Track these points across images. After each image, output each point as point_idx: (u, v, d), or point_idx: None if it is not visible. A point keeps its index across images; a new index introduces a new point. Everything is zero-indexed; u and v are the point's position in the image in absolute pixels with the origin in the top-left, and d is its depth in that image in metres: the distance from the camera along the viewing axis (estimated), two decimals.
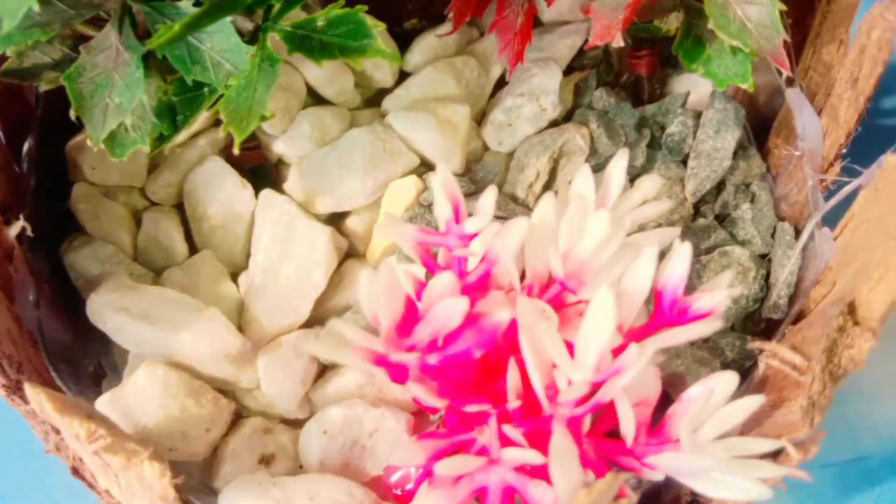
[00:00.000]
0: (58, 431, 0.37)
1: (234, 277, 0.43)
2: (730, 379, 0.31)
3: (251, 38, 0.35)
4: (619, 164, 0.36)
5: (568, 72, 0.47)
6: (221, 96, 0.35)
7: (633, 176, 0.44)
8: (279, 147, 0.43)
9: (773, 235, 0.42)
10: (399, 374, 0.31)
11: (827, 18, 0.39)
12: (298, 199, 0.42)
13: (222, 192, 0.42)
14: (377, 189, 0.42)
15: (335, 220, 0.43)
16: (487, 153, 0.45)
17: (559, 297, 0.33)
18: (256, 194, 0.43)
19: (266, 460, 0.39)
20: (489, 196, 0.34)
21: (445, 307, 0.29)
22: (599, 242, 0.32)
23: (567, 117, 0.46)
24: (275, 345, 0.39)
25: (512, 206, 0.42)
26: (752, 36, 0.34)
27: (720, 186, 0.44)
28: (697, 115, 0.44)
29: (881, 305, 0.31)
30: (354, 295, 0.41)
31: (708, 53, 0.37)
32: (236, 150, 0.34)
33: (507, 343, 0.33)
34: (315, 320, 0.41)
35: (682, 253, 0.31)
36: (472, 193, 0.43)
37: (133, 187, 0.44)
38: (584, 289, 0.32)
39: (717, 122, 0.43)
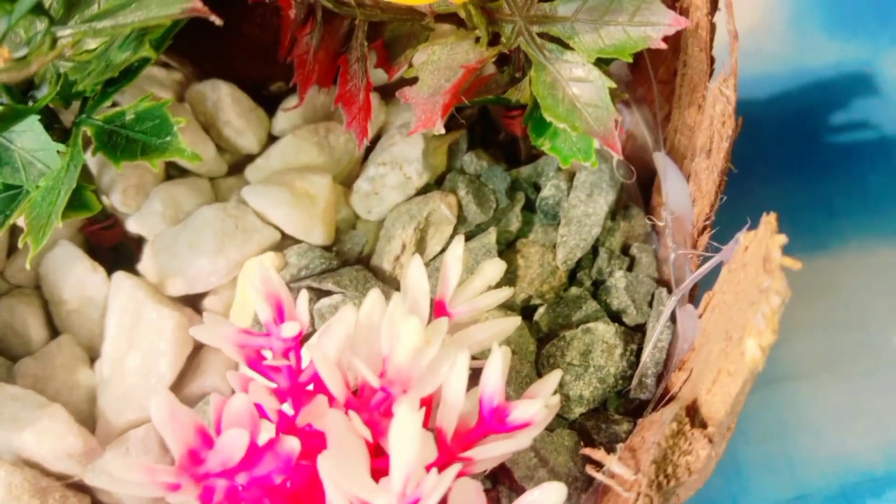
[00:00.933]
0: None
1: (94, 363, 0.41)
2: (557, 490, 0.29)
3: (63, 134, 0.33)
4: (455, 252, 0.34)
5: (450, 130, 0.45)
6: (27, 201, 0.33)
7: (508, 241, 0.42)
8: (132, 226, 0.41)
9: (650, 304, 0.40)
10: (207, 496, 0.29)
11: (684, 81, 0.37)
12: (152, 280, 0.41)
13: (73, 276, 0.41)
14: (232, 268, 0.40)
15: (195, 300, 0.42)
16: (359, 221, 0.44)
17: (387, 402, 0.32)
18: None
19: None
20: (303, 300, 0.32)
21: (229, 438, 0.27)
22: (415, 349, 0.30)
23: (440, 180, 0.44)
24: (121, 441, 0.38)
25: (371, 283, 0.40)
26: (581, 117, 0.31)
27: (597, 251, 0.42)
28: (572, 177, 0.42)
29: (721, 408, 0.30)
30: (211, 381, 0.40)
31: (554, 128, 0.35)
32: (28, 266, 0.32)
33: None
34: None
35: (497, 359, 0.30)
36: (334, 269, 0.41)
37: None
38: (409, 395, 0.31)
39: (591, 184, 0.41)
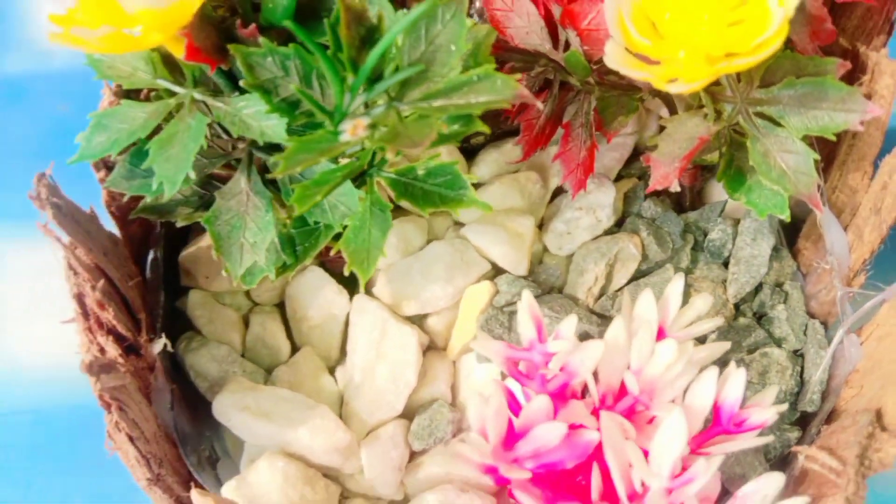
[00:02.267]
0: None
1: (331, 371, 0.48)
2: (777, 479, 0.37)
3: (360, 182, 0.41)
4: (676, 287, 0.42)
5: (616, 179, 0.53)
6: (338, 233, 0.41)
7: None
8: None
9: (805, 332, 0.48)
10: (503, 479, 0.37)
11: (853, 150, 0.45)
12: (386, 301, 0.48)
13: (321, 297, 0.48)
14: (456, 294, 0.48)
15: (418, 318, 0.49)
16: (547, 255, 0.51)
17: (632, 407, 0.39)
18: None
19: None
20: (569, 324, 0.40)
21: (546, 430, 0.35)
22: (667, 366, 0.38)
23: (619, 222, 0.51)
24: (374, 437, 0.45)
25: (574, 308, 0.47)
26: (790, 181, 0.39)
27: (757, 287, 0.50)
28: (735, 222, 0.50)
29: None
30: (438, 388, 0.47)
31: (749, 184, 0.43)
32: (363, 290, 0.40)
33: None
34: (406, 413, 0.47)
35: (738, 378, 0.37)
36: (538, 295, 0.48)
37: (239, 291, 0.50)
38: (655, 402, 0.38)
39: (754, 230, 0.49)
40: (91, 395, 0.43)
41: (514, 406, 0.40)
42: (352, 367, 0.47)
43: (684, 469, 0.36)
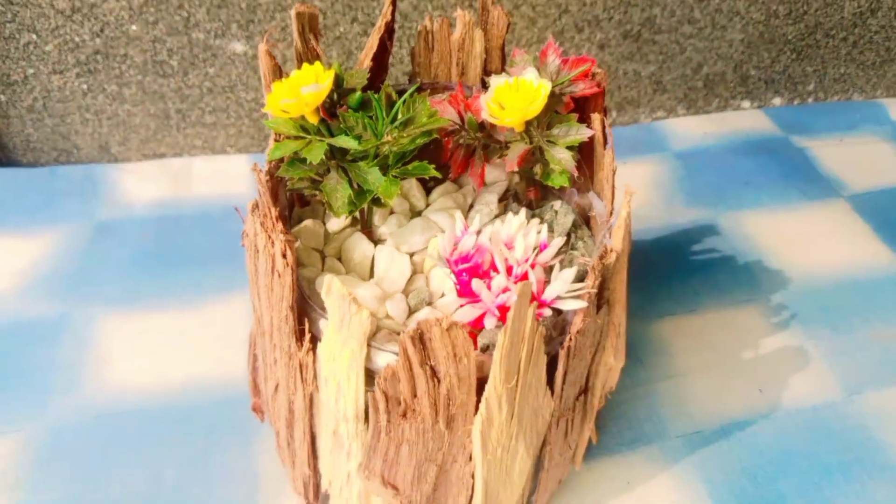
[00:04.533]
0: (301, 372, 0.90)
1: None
2: (568, 269, 0.89)
3: (384, 172, 0.95)
4: (522, 213, 0.95)
5: (500, 200, 1.08)
6: (375, 197, 0.94)
7: None
8: (382, 230, 1.01)
9: (593, 253, 1.01)
10: (459, 272, 0.88)
11: (595, 161, 1.01)
12: (392, 246, 1.00)
13: (360, 247, 1.00)
14: (426, 242, 1.00)
15: (408, 255, 1.00)
16: None
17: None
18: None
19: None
20: (475, 223, 0.93)
21: (466, 240, 0.87)
22: (517, 228, 0.91)
23: (501, 214, 1.06)
24: (391, 297, 0.95)
25: None
26: (562, 164, 0.95)
27: (569, 237, 1.04)
28: (556, 213, 1.05)
29: (618, 243, 0.91)
30: (420, 283, 0.98)
31: (552, 176, 0.98)
32: (390, 202, 0.93)
33: (490, 267, 0.90)
34: (405, 292, 0.97)
35: (544, 228, 0.90)
36: None
37: (317, 249, 1.01)
38: (514, 248, 0.91)
39: (564, 211, 1.04)
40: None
41: (457, 260, 0.91)
42: (377, 274, 0.98)
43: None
